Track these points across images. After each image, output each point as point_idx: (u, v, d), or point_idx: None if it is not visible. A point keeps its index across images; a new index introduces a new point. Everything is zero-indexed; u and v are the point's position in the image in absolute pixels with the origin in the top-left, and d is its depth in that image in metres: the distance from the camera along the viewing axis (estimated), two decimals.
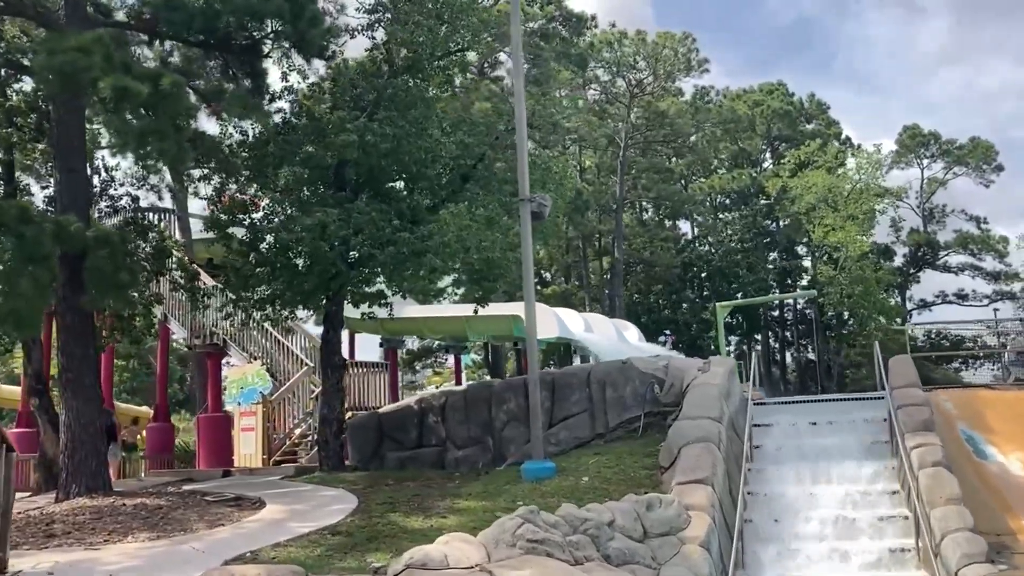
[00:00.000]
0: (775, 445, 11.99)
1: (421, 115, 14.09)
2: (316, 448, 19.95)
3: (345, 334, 29.24)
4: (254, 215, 15.44)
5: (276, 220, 14.51)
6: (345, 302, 15.01)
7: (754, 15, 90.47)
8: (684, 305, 46.86)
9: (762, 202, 49.10)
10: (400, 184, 15.13)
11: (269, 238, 13.61)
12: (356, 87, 14.61)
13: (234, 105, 13.45)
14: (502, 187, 14.17)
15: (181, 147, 12.10)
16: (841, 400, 13.50)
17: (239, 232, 15.06)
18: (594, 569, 7.83)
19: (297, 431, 20.60)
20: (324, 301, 14.42)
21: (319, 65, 15.95)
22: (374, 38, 15.37)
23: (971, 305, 56.79)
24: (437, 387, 27.59)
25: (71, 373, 13.79)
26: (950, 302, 58.63)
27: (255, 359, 22.47)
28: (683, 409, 11.94)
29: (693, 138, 45.36)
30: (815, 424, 12.23)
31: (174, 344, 28.87)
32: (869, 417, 12.24)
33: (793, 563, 10.12)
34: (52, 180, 15.10)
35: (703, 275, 48.32)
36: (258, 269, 13.84)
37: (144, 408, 31.55)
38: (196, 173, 16.32)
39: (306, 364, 21.64)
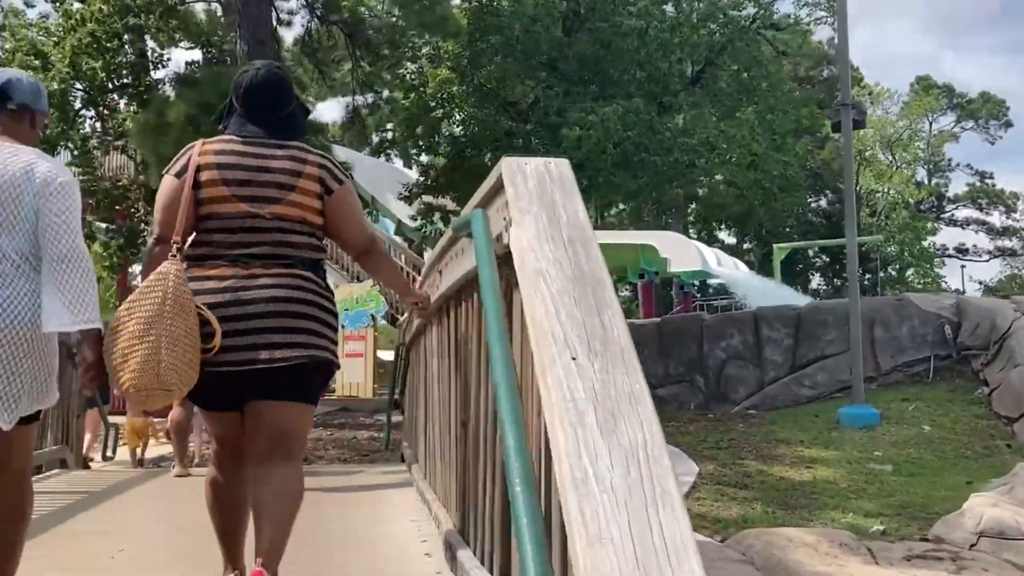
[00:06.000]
0: None
1: None
2: None
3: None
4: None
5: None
6: None
7: None
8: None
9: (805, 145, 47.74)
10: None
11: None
12: None
13: None
14: (770, 91, 12.27)
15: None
16: None
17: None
18: None
19: None
20: None
21: None
22: None
23: (971, 260, 57.10)
24: None
25: None
26: (950, 256, 59.15)
27: (358, 279, 20.48)
28: (1016, 352, 10.60)
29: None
30: None
31: None
32: None
33: None
34: (239, 51, 12.79)
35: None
36: None
37: None
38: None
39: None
